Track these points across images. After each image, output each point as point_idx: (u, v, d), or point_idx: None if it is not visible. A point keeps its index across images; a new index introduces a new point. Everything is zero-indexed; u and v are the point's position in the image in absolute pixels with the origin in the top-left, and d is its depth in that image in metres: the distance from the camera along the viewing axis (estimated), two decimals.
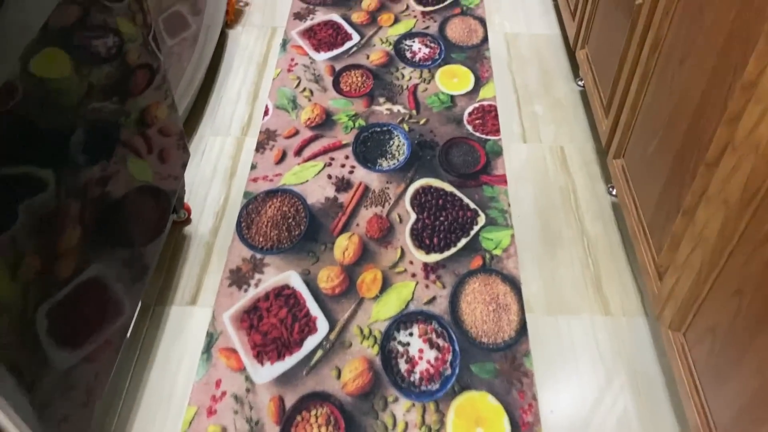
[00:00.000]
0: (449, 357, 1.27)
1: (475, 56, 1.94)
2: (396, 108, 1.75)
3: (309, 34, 1.99)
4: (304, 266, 1.37)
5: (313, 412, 1.20)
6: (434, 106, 1.76)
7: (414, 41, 1.98)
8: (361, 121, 1.71)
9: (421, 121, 1.71)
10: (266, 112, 1.74)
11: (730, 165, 0.95)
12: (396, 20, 2.06)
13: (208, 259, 1.44)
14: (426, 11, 2.08)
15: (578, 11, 1.74)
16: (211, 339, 1.29)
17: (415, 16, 2.07)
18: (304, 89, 1.80)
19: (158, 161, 1.28)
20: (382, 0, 2.13)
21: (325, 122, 1.70)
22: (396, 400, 1.21)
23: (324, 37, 1.99)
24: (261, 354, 1.26)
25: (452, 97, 1.79)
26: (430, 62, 1.91)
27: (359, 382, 1.23)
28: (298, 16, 2.06)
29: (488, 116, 1.72)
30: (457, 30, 2.04)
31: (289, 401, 1.20)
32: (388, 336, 1.29)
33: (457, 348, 1.28)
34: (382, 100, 1.78)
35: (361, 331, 1.30)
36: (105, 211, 1.07)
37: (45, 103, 0.85)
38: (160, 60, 1.26)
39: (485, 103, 1.76)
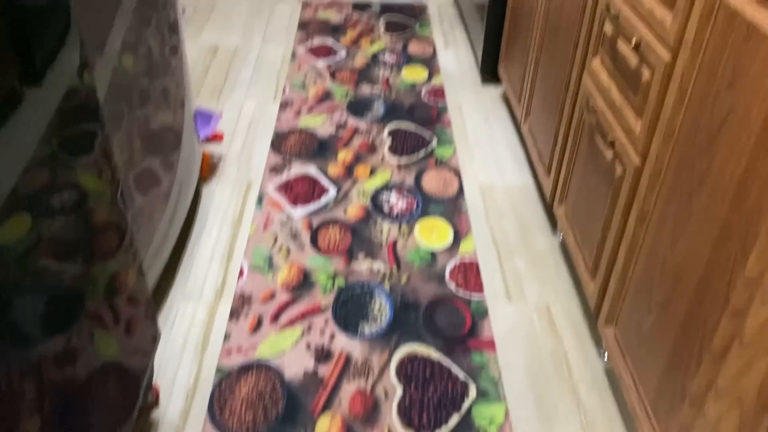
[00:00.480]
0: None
1: (453, 209, 1.89)
2: (376, 265, 1.67)
3: (285, 188, 1.93)
4: None
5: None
6: (415, 263, 1.68)
7: (391, 193, 1.93)
8: (340, 281, 1.61)
9: (403, 280, 1.62)
10: (241, 274, 1.63)
11: (741, 362, 0.90)
12: (372, 172, 2.01)
13: None
14: (401, 163, 2.05)
15: (553, 168, 1.73)
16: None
17: (390, 168, 2.03)
18: (281, 247, 1.71)
19: (125, 334, 1.17)
20: (357, 152, 2.08)
21: (303, 283, 1.60)
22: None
23: (300, 191, 1.92)
24: None
25: (433, 253, 1.71)
26: (408, 216, 1.84)
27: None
28: (274, 170, 2.00)
29: (470, 272, 1.65)
30: (433, 182, 2.00)
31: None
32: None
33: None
34: (361, 256, 1.69)
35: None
36: (65, 395, 0.95)
37: None
38: (127, 221, 1.19)
39: (466, 258, 1.69)
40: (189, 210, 1.77)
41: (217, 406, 1.31)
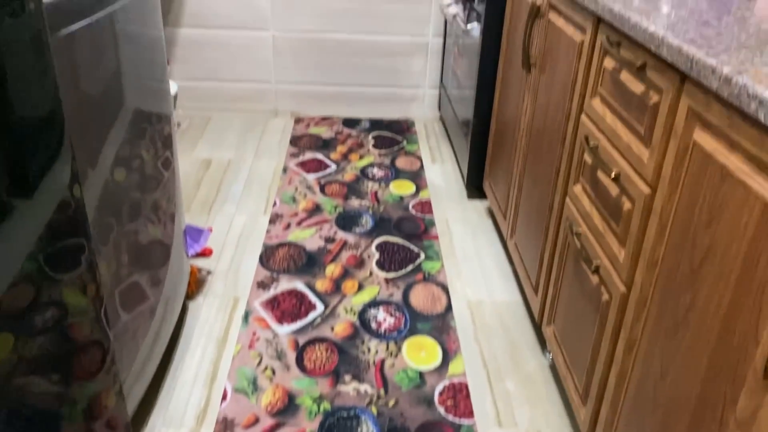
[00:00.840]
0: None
1: (441, 326, 1.85)
2: (363, 387, 1.59)
3: (272, 304, 1.88)
4: None
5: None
6: (403, 385, 1.60)
7: (379, 310, 1.87)
8: (326, 405, 1.53)
9: (390, 403, 1.54)
10: (224, 397, 1.56)
11: None
12: (360, 287, 1.97)
13: None
14: (389, 277, 2.02)
15: (540, 288, 1.71)
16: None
17: (378, 283, 1.99)
18: (266, 368, 1.64)
19: None
20: (345, 267, 2.05)
21: (288, 407, 1.52)
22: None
23: (287, 307, 1.86)
24: None
25: (421, 374, 1.64)
26: (395, 333, 1.78)
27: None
28: (262, 285, 1.96)
29: (460, 396, 1.58)
30: (421, 298, 1.97)
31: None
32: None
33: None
34: (348, 378, 1.61)
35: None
36: None
37: None
38: (109, 340, 1.14)
39: (455, 380, 1.62)
40: (174, 326, 1.72)
41: None
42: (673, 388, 1.01)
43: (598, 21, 1.33)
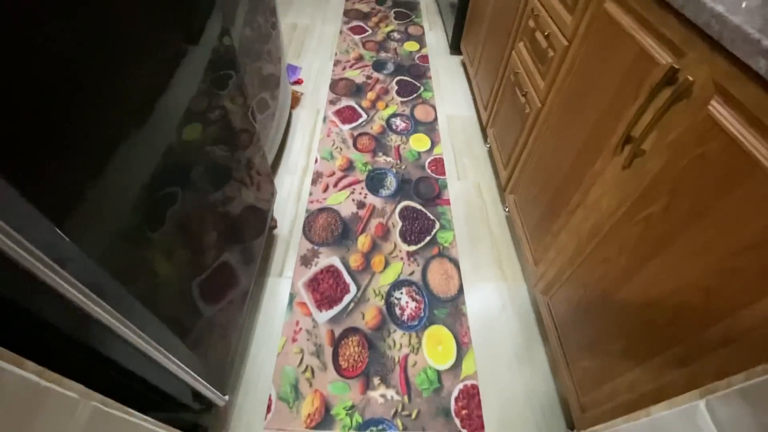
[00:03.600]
0: (422, 306, 1.28)
1: (430, 129, 1.90)
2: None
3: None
4: None
5: (350, 338, 1.20)
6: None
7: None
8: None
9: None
10: (316, 161, 1.70)
11: (582, 216, 0.95)
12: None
13: (287, 250, 1.42)
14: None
15: (488, 106, 1.72)
16: (291, 298, 1.27)
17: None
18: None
19: (257, 190, 1.22)
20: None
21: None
22: (395, 331, 1.22)
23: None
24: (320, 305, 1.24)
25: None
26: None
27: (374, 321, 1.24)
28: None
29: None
30: (421, 112, 1.98)
31: (337, 332, 1.21)
32: (389, 294, 1.30)
33: (426, 301, 1.28)
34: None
35: (374, 292, 1.30)
36: (229, 220, 0.99)
37: (185, 151, 0.79)
38: (255, 127, 1.21)
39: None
40: (286, 124, 1.81)
41: (307, 228, 1.44)
42: (558, 158, 1.07)
43: None
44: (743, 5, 0.60)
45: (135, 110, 0.62)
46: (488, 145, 1.79)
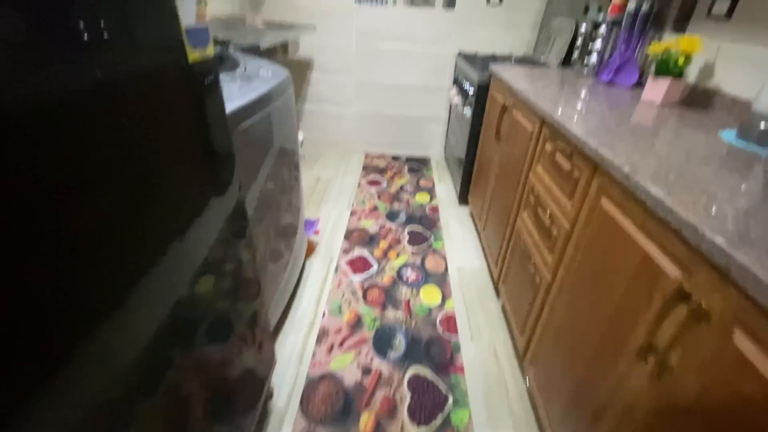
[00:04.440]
0: None
1: (441, 281, 1.70)
2: (398, 314, 1.50)
3: (350, 262, 1.79)
4: None
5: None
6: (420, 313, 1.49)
7: (408, 269, 1.76)
8: (378, 323, 1.43)
9: (413, 324, 1.42)
10: (323, 315, 1.48)
11: (615, 425, 0.70)
12: (398, 255, 1.86)
13: (280, 428, 1.11)
14: (413, 250, 1.90)
15: (498, 263, 1.57)
16: None
17: (407, 253, 1.89)
18: (347, 299, 1.54)
19: (258, 351, 1.03)
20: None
21: (357, 323, 1.43)
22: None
23: (358, 264, 1.77)
24: None
25: (430, 309, 1.53)
26: (416, 283, 1.68)
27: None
28: (345, 252, 1.87)
29: (450, 321, 1.42)
30: (432, 263, 1.82)
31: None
32: None
33: None
34: (390, 308, 1.52)
35: None
36: (222, 387, 0.81)
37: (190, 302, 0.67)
38: (259, 279, 1.05)
39: (449, 312, 1.50)
40: (299, 274, 1.66)
41: (304, 402, 1.17)
42: (576, 342, 0.91)
43: (543, 121, 1.20)
44: (752, 235, 0.50)
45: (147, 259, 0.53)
46: (501, 301, 1.55)
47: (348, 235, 2.00)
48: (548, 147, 1.14)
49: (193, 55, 0.58)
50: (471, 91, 2.08)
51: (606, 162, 0.79)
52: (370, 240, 1.97)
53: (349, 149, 3.08)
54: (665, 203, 0.62)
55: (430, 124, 2.99)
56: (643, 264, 0.68)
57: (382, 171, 2.78)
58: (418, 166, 2.91)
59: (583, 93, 1.36)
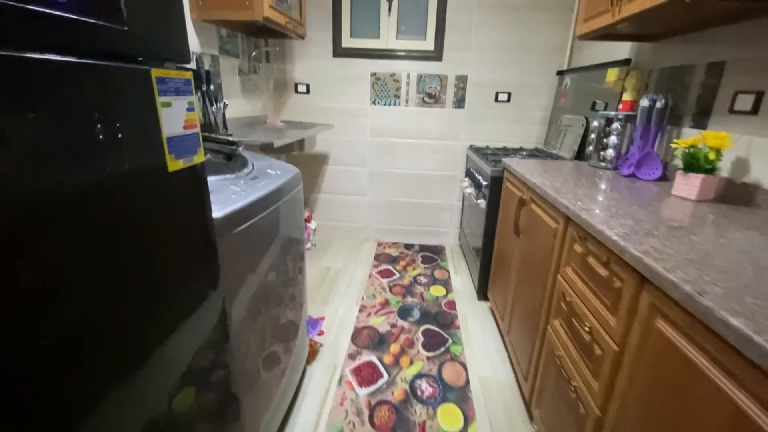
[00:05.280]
0: None
1: (462, 398, 1.47)
2: None
3: (356, 371, 1.59)
4: None
5: None
6: None
7: (423, 381, 1.54)
8: None
9: None
10: None
11: None
12: (411, 363, 1.65)
13: None
14: (429, 356, 1.70)
15: (529, 378, 1.34)
16: None
17: (422, 359, 1.67)
18: (350, 422, 1.33)
19: None
20: (402, 346, 1.74)
21: None
22: None
23: (366, 374, 1.56)
24: None
25: None
26: (432, 400, 1.44)
27: None
28: (351, 357, 1.68)
29: None
30: (450, 372, 1.60)
31: None
32: None
33: None
34: None
35: None
36: None
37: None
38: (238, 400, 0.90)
39: None
40: (297, 384, 1.46)
41: None
42: None
43: (568, 219, 1.09)
44: None
45: None
46: (535, 427, 1.29)
47: (355, 335, 1.81)
48: (577, 248, 1.02)
49: (176, 164, 0.52)
50: (484, 183, 2.06)
51: (656, 275, 0.67)
52: (380, 342, 1.77)
53: (361, 237, 3.02)
54: (754, 340, 0.48)
55: (444, 212, 2.95)
56: (735, 419, 0.51)
57: (394, 260, 2.67)
58: (432, 255, 2.79)
59: (606, 187, 1.28)
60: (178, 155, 0.51)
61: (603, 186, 1.30)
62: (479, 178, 2.17)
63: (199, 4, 1.75)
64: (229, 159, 1.16)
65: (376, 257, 2.71)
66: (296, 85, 2.72)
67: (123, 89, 0.44)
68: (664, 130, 1.48)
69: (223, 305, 0.81)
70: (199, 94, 1.63)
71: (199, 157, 0.58)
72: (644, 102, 1.45)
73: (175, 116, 0.50)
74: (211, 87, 1.66)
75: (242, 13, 1.75)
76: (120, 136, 0.44)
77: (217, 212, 0.78)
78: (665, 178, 1.44)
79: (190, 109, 0.53)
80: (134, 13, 0.44)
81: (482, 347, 1.78)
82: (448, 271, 2.53)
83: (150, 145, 0.49)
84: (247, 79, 2.34)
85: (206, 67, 1.81)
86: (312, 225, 2.87)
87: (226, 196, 0.88)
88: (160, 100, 0.46)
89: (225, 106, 1.70)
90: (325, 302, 2.10)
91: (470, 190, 2.31)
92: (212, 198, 0.83)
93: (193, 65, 1.69)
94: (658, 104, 1.42)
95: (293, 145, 2.63)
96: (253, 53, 2.39)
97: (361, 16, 2.60)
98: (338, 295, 2.19)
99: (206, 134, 1.16)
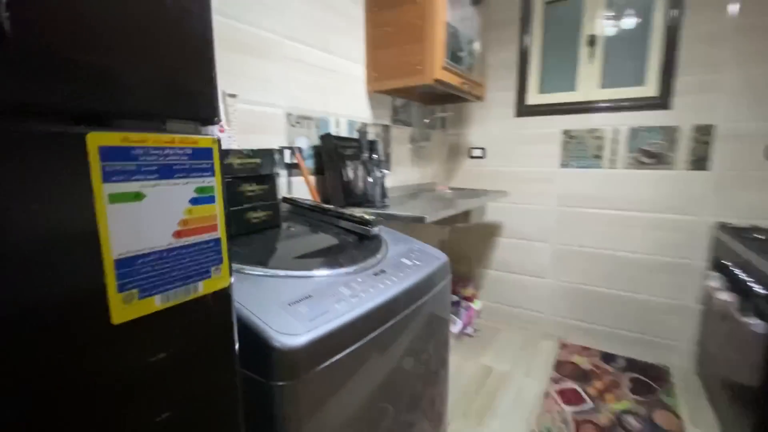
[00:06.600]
0: None
1: None
2: None
3: None
4: None
5: None
6: None
7: None
8: None
9: None
10: None
11: None
12: None
13: None
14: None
15: None
16: None
17: None
18: None
19: None
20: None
21: None
22: None
23: None
24: None
25: None
26: None
27: None
28: None
29: None
30: None
31: None
32: None
33: None
34: None
35: None
36: None
37: None
38: None
39: None
40: None
41: None
42: None
43: None
44: None
45: None
46: None
47: None
48: None
49: (136, 307, 0.29)
50: (763, 292, 1.24)
51: None
52: None
53: (538, 331, 2.41)
54: None
55: (670, 316, 2.05)
56: None
57: (585, 377, 1.94)
58: (649, 381, 1.92)
59: None
60: (148, 288, 0.27)
61: None
62: (749, 281, 1.35)
63: (374, 76, 1.77)
64: (360, 239, 0.95)
65: (558, 366, 2.04)
66: (471, 149, 2.50)
67: (21, 167, 0.24)
68: None
69: None
70: (360, 162, 1.56)
71: (213, 284, 0.33)
72: None
73: (154, 215, 0.28)
74: (373, 156, 1.58)
75: (415, 78, 1.68)
76: None
77: (293, 338, 0.53)
78: None
79: (203, 200, 0.31)
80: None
81: None
82: (677, 416, 1.64)
83: (72, 270, 0.27)
84: (419, 146, 2.26)
85: (371, 137, 1.77)
86: (476, 305, 2.45)
87: (325, 307, 0.63)
88: (107, 189, 0.25)
89: (383, 175, 1.59)
90: (481, 421, 1.61)
91: (726, 297, 1.47)
92: (304, 307, 0.59)
93: (355, 135, 1.66)
94: None
95: (458, 215, 2.36)
96: (427, 120, 2.32)
97: (553, 68, 2.23)
98: (497, 415, 1.66)
99: (340, 210, 1.00)
